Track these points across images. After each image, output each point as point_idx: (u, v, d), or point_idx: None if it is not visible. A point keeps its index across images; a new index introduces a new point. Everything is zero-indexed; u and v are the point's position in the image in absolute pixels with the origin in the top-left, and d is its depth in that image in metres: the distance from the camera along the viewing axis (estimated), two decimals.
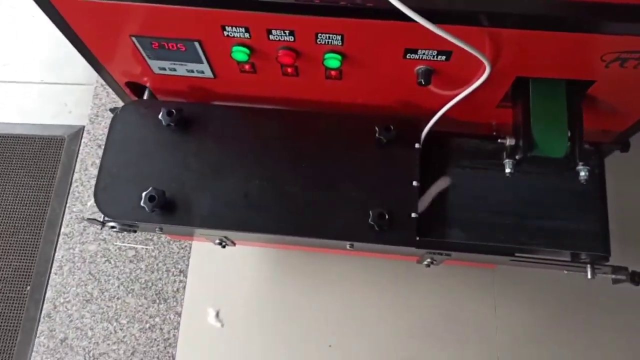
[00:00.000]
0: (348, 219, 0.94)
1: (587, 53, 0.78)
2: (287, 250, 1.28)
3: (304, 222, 0.95)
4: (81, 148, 1.40)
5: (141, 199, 0.94)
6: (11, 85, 1.49)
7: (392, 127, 0.96)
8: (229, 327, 1.23)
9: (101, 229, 1.04)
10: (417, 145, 0.98)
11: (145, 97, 1.08)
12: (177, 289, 1.25)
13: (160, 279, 1.25)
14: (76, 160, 1.39)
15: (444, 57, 0.83)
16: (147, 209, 0.93)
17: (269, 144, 0.99)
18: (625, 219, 1.31)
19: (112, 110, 1.11)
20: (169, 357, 1.21)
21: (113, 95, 1.43)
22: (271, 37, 0.83)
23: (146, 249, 1.28)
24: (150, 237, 1.29)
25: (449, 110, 0.95)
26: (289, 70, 0.92)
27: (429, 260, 1.07)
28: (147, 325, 1.22)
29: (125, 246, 1.29)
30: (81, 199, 1.34)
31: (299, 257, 1.29)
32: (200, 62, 0.93)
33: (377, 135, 0.96)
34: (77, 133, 1.43)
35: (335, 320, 1.27)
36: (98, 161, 1.37)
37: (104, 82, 1.44)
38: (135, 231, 1.03)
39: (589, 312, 1.29)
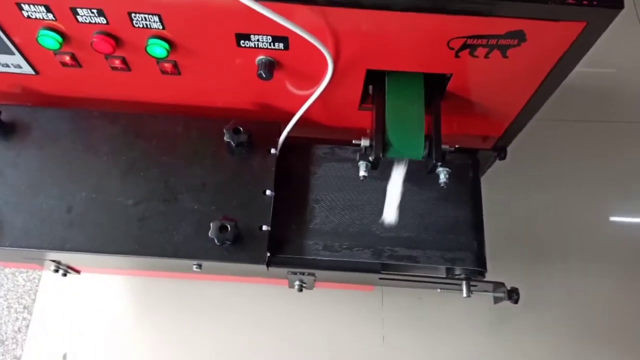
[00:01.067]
0: (188, 235, 0.81)
1: (432, 39, 0.70)
2: (149, 278, 1.12)
3: (137, 239, 0.81)
4: None
5: None
6: None
7: (241, 130, 0.85)
8: None
9: None
10: (273, 151, 0.87)
11: None
12: (19, 329, 1.06)
13: None
14: None
15: (281, 45, 0.73)
16: None
17: (100, 151, 0.86)
18: (504, 233, 1.25)
19: None
20: None
21: None
22: (79, 18, 0.71)
23: None
24: None
25: (310, 113, 0.85)
26: (116, 62, 0.79)
27: (297, 282, 0.94)
28: None
29: None
30: None
31: (164, 285, 1.13)
32: (11, 52, 0.79)
33: (225, 138, 0.85)
34: None
35: (208, 354, 1.11)
36: None
37: None
38: None
39: (475, 331, 1.19)
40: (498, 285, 0.87)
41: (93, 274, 1.06)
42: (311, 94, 0.82)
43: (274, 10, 0.64)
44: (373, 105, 0.85)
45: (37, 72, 0.84)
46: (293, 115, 0.86)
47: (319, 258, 0.84)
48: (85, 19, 0.71)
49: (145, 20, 0.70)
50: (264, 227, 0.81)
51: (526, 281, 0.98)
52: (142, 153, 0.86)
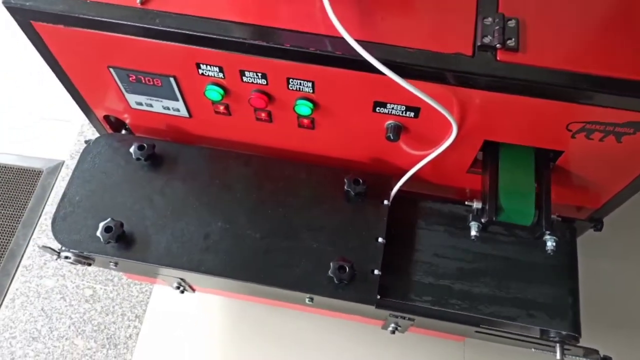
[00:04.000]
0: (308, 270, 0.91)
1: (553, 121, 0.78)
2: (249, 302, 1.23)
3: (262, 269, 0.91)
4: (57, 182, 1.39)
5: (98, 229, 0.91)
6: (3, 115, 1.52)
7: (361, 181, 0.95)
8: None
9: (56, 259, 1.00)
10: (385, 202, 0.96)
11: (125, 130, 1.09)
12: (130, 335, 1.19)
13: (114, 322, 1.19)
14: (50, 194, 1.37)
15: (412, 114, 0.84)
16: (102, 239, 0.90)
17: (236, 187, 0.98)
18: (597, 301, 1.26)
19: (87, 142, 1.11)
20: None
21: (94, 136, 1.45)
22: (244, 78, 0.84)
23: (105, 289, 1.23)
24: (110, 278, 1.24)
25: (419, 171, 0.94)
26: (263, 115, 0.92)
27: (393, 325, 1.02)
28: None
29: (83, 284, 1.24)
30: (48, 232, 1.31)
31: (262, 311, 1.23)
32: (176, 99, 0.94)
33: (345, 187, 0.95)
34: (56, 167, 1.43)
35: None
36: None
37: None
38: (90, 264, 0.99)
39: None
40: (591, 352, 0.91)
41: (202, 293, 1.18)
42: (426, 155, 0.91)
43: (418, 88, 0.74)
44: (483, 171, 0.93)
45: (190, 116, 0.98)
46: (403, 170, 0.95)
47: (424, 306, 0.91)
48: (249, 79, 0.84)
49: (300, 85, 0.83)
50: (376, 272, 0.90)
51: (619, 350, 1.00)
52: (270, 193, 0.98)
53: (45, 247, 0.99)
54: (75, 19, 0.79)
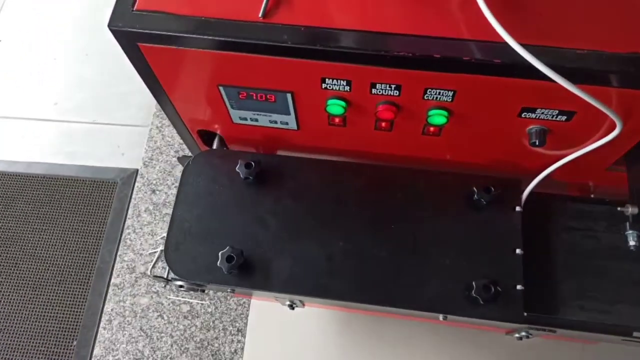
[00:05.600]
0: (443, 289, 0.85)
1: None
2: (355, 313, 1.19)
3: (393, 290, 0.86)
4: (134, 193, 1.34)
5: (216, 258, 0.86)
6: (61, 124, 1.45)
7: (492, 189, 0.88)
8: None
9: (165, 286, 0.96)
10: (517, 209, 0.89)
11: (215, 145, 1.02)
12: (235, 350, 1.16)
13: (216, 338, 1.16)
14: (129, 206, 1.33)
15: (564, 118, 0.75)
16: (224, 270, 0.85)
17: (351, 201, 0.91)
18: None
19: (180, 159, 1.05)
20: None
21: (168, 137, 1.38)
22: (374, 91, 0.76)
23: (202, 304, 1.20)
24: (205, 291, 1.20)
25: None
26: (384, 125, 0.85)
27: (524, 333, 0.96)
28: None
29: (179, 300, 1.20)
30: (133, 247, 1.27)
31: (366, 320, 1.19)
32: (288, 113, 0.86)
33: (475, 197, 0.88)
34: (130, 177, 1.37)
35: None
36: (152, 207, 1.30)
37: (159, 125, 1.40)
38: (203, 290, 0.95)
39: None
40: None
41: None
42: (566, 154, 0.83)
43: (586, 92, 0.66)
44: (625, 167, 0.85)
45: (299, 128, 0.91)
46: (531, 171, 0.88)
47: (575, 319, 0.85)
48: (379, 91, 0.76)
49: (438, 94, 0.74)
50: (518, 287, 0.84)
51: None
52: (389, 205, 0.91)
53: (156, 277, 0.95)
54: (191, 40, 0.71)
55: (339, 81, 0.75)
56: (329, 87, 0.77)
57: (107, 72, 1.54)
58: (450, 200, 0.91)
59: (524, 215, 0.89)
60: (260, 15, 0.70)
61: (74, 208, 1.34)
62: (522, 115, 0.76)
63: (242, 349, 1.16)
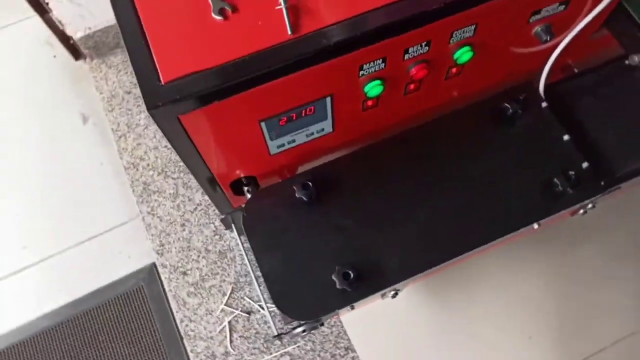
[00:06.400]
0: (527, 201, 0.90)
1: None
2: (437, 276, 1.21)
3: (487, 227, 0.90)
4: (165, 286, 1.25)
5: (327, 286, 0.84)
6: (43, 264, 1.31)
7: (520, 97, 0.94)
8: None
9: (281, 342, 0.92)
10: (543, 104, 0.97)
11: (247, 191, 0.98)
12: None
13: None
14: (168, 301, 1.24)
15: (563, 7, 0.83)
16: (347, 288, 0.83)
17: (406, 171, 0.94)
18: None
19: (224, 220, 1.00)
20: None
21: (166, 217, 1.31)
22: (406, 57, 0.78)
23: (298, 346, 1.16)
24: None
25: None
26: (412, 87, 0.87)
27: (590, 206, 1.05)
28: None
29: (275, 357, 1.15)
30: (199, 335, 1.19)
31: (451, 274, 1.22)
32: (325, 119, 0.86)
33: (509, 112, 0.94)
34: (151, 273, 1.28)
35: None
36: (192, 289, 1.23)
37: (149, 209, 1.32)
38: (322, 324, 0.92)
39: None
40: None
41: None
42: (563, 39, 0.91)
43: None
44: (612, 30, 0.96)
45: (333, 130, 0.91)
46: (532, 69, 0.96)
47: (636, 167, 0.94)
48: (412, 54, 0.78)
49: (463, 33, 0.79)
50: (584, 165, 0.91)
51: None
52: (438, 161, 0.94)
53: (278, 337, 0.91)
54: (234, 87, 0.69)
55: (375, 62, 0.76)
56: (366, 72, 0.78)
57: (59, 189, 1.42)
58: (486, 128, 0.96)
59: (550, 106, 0.97)
60: (289, 32, 0.69)
61: (113, 337, 1.22)
62: (531, 20, 0.83)
63: None
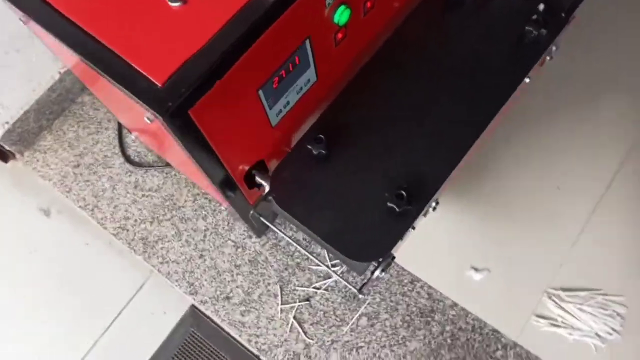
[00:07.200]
0: (512, 60, 0.95)
1: None
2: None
3: (488, 101, 0.93)
4: (215, 318, 1.20)
5: (381, 219, 0.85)
6: (91, 356, 1.22)
7: None
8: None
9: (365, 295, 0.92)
10: None
11: (259, 179, 0.96)
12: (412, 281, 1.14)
13: (404, 296, 1.13)
14: (226, 331, 1.19)
15: None
16: (407, 207, 0.84)
17: (393, 86, 0.95)
18: None
19: (253, 216, 0.97)
20: None
21: (182, 262, 1.25)
22: None
23: (368, 304, 1.15)
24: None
25: None
26: (369, 4, 0.89)
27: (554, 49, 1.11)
28: None
29: (353, 323, 1.14)
30: (272, 343, 1.15)
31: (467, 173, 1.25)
32: (309, 66, 0.86)
33: None
34: (194, 315, 1.22)
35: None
36: (244, 307, 1.19)
37: (159, 262, 1.26)
38: (394, 258, 0.91)
39: None
40: None
41: None
42: None
43: None
44: None
45: (317, 78, 0.91)
46: None
47: None
48: None
49: None
50: (540, 7, 0.96)
51: None
52: (420, 67, 0.96)
53: (360, 291, 0.90)
54: (225, 58, 0.67)
55: None
56: (331, 0, 0.78)
57: (61, 292, 1.33)
58: (446, 17, 1.00)
59: None
60: None
61: None
62: None
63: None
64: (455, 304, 1.16)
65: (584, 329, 1.11)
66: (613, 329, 1.10)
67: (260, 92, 0.78)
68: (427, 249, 1.20)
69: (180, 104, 0.65)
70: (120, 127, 1.43)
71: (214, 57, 0.66)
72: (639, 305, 1.13)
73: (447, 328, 1.14)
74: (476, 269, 1.18)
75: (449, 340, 1.13)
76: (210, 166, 0.83)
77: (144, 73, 0.66)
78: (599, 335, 1.10)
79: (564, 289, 1.15)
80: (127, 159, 1.39)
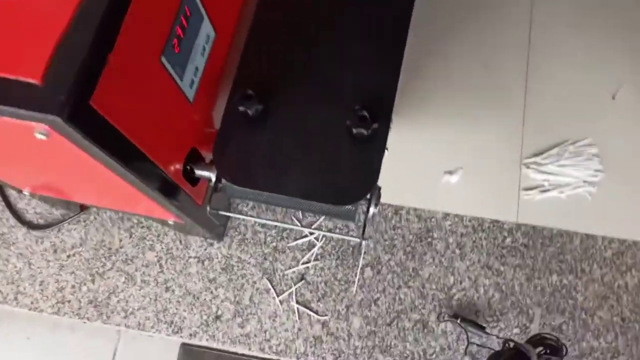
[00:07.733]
0: None
1: None
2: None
3: None
4: (213, 344, 1.05)
5: (351, 155, 0.74)
6: None
7: None
8: None
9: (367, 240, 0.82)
10: None
11: (199, 171, 0.81)
12: None
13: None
14: (231, 352, 1.04)
15: None
16: (376, 125, 0.74)
17: (303, 15, 0.83)
18: None
19: (212, 209, 0.83)
20: None
21: (146, 304, 1.07)
22: None
23: (366, 253, 1.05)
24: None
25: None
26: None
27: None
28: None
29: (359, 279, 1.04)
30: (287, 340, 1.02)
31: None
32: (203, 18, 0.71)
33: None
34: (186, 351, 1.06)
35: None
36: (240, 318, 1.06)
37: (123, 315, 1.08)
38: (380, 189, 0.82)
39: None
40: None
41: None
42: None
43: None
44: None
45: (216, 33, 0.77)
46: None
47: None
48: None
49: None
50: None
51: None
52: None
53: (362, 237, 0.79)
54: (102, 26, 0.52)
55: None
56: None
57: None
58: None
59: None
60: None
61: None
62: None
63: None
64: (447, 214, 1.09)
65: (571, 182, 1.09)
66: (596, 170, 1.09)
67: (164, 59, 0.63)
68: (396, 174, 1.12)
69: (74, 92, 0.49)
70: (3, 193, 1.18)
71: (91, 28, 0.51)
72: (604, 140, 1.13)
73: (450, 240, 1.07)
74: (450, 172, 1.12)
75: (457, 251, 1.07)
76: (138, 167, 0.66)
77: (15, 78, 0.49)
78: (587, 182, 1.09)
79: (536, 154, 1.12)
80: (30, 225, 1.16)
